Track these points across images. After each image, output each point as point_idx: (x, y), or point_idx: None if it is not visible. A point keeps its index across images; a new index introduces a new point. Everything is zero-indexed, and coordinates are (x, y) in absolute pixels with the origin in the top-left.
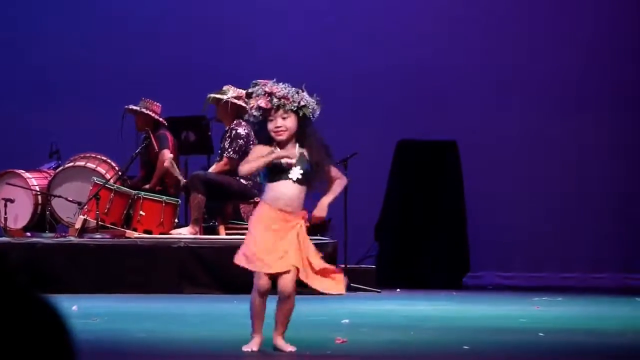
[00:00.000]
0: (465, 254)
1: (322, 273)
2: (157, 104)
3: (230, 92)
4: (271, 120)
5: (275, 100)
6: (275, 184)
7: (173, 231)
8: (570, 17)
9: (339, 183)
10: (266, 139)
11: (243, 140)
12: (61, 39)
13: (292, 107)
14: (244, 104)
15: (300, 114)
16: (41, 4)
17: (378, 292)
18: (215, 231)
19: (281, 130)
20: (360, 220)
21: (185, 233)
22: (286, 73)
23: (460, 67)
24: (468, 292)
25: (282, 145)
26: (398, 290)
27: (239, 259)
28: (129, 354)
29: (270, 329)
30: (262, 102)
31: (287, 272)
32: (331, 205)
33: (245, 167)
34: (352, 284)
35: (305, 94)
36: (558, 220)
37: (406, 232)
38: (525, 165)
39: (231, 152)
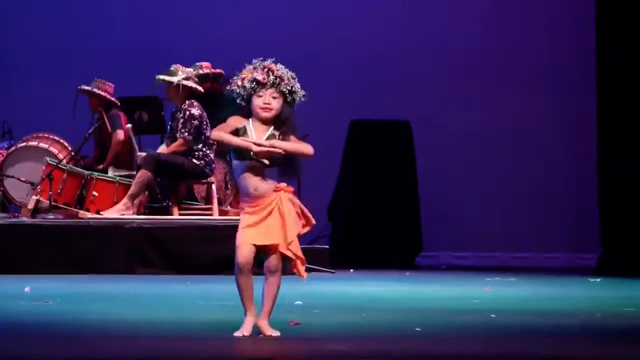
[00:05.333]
0: (418, 234)
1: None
2: (110, 84)
3: (180, 74)
4: (260, 96)
5: (271, 77)
6: (242, 176)
7: (106, 211)
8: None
9: (302, 145)
10: (245, 113)
11: (197, 121)
12: (13, 18)
13: (285, 89)
14: (193, 84)
15: (289, 98)
16: None
17: (332, 272)
18: (168, 211)
19: (268, 108)
20: (313, 200)
21: (116, 211)
22: (237, 53)
23: (412, 47)
24: (421, 272)
25: (264, 122)
26: (351, 270)
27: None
28: (81, 337)
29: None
30: (259, 75)
31: (273, 247)
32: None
33: (218, 136)
34: (306, 265)
35: (296, 81)
36: (510, 201)
37: (359, 212)
38: (478, 146)
39: (186, 133)
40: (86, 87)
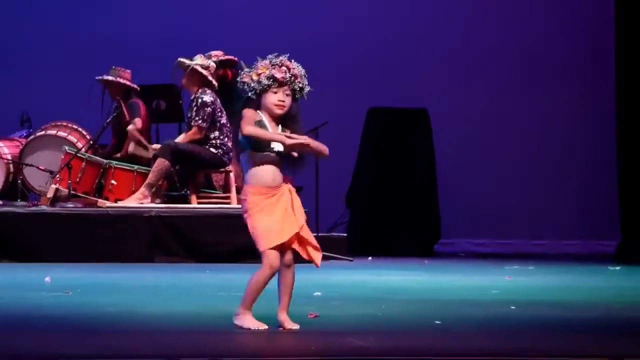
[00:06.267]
0: (436, 221)
1: (305, 242)
2: (127, 70)
3: (198, 60)
4: (275, 93)
5: (288, 75)
6: (259, 167)
7: (124, 200)
8: None
9: (322, 145)
10: (255, 106)
11: (210, 108)
12: (31, 7)
13: (297, 87)
14: (207, 74)
15: (297, 95)
16: None
17: (350, 260)
18: (187, 200)
19: (282, 105)
20: (331, 188)
21: (134, 200)
22: (256, 43)
23: (430, 35)
24: (439, 260)
25: (274, 119)
26: (370, 258)
27: (263, 244)
28: (100, 331)
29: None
30: (279, 74)
31: (289, 241)
32: (301, 175)
33: (253, 131)
34: (324, 253)
35: (306, 78)
36: (529, 187)
37: (377, 199)
38: (495, 133)
39: (200, 121)
40: (105, 77)
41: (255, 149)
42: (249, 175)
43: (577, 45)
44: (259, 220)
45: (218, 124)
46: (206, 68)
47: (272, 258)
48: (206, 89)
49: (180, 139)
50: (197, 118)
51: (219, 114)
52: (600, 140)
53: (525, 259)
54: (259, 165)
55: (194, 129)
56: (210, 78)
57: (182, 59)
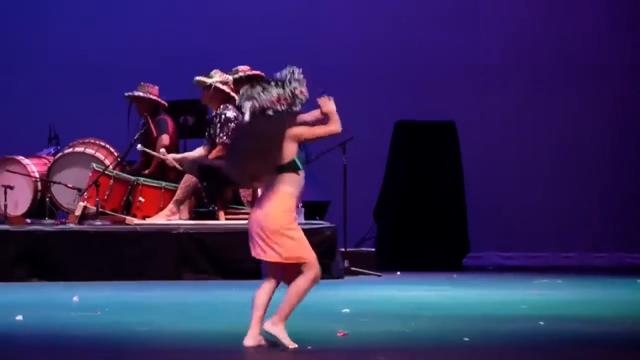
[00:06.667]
0: (465, 234)
1: None
2: (155, 86)
3: (216, 77)
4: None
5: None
6: (301, 173)
7: (152, 217)
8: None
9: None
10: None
11: (233, 124)
12: (60, 23)
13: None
14: (228, 90)
15: None
16: None
17: (379, 275)
18: (214, 216)
19: None
20: (359, 202)
21: (162, 217)
22: (281, 56)
23: (457, 47)
24: (468, 274)
25: None
26: (398, 273)
27: (310, 254)
28: (130, 351)
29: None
30: (306, 92)
31: None
32: (329, 189)
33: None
34: (352, 268)
35: None
36: (558, 200)
37: (405, 213)
38: (524, 145)
39: (224, 137)
40: (136, 93)
41: (300, 168)
42: (290, 186)
43: (607, 60)
44: (299, 230)
45: None
46: (225, 83)
47: (318, 267)
48: (228, 104)
49: (199, 152)
50: (221, 134)
51: None
52: (630, 153)
53: (554, 272)
54: (301, 180)
55: (219, 147)
56: (232, 93)
57: (200, 78)
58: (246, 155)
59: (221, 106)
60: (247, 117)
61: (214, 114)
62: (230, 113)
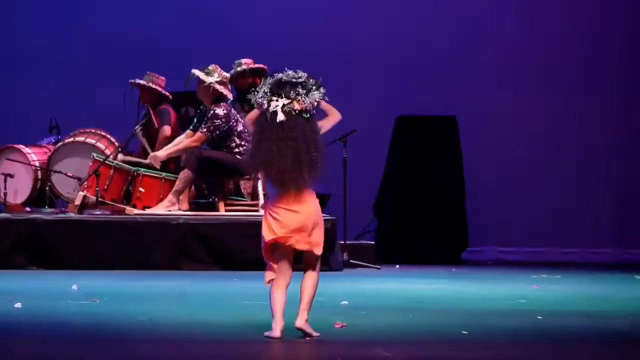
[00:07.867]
0: (464, 229)
1: None
2: (162, 77)
3: (215, 75)
4: None
5: None
6: None
7: (152, 207)
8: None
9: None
10: None
11: (220, 121)
12: (61, 12)
13: None
14: (226, 92)
15: None
16: None
17: (378, 268)
18: (214, 207)
19: None
20: (359, 196)
21: (162, 208)
22: (284, 50)
23: (458, 42)
24: (467, 268)
25: None
26: (397, 266)
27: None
28: (129, 340)
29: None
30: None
31: None
32: (330, 183)
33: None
34: (351, 261)
35: None
36: (557, 195)
37: (405, 207)
38: (525, 140)
39: (205, 129)
40: (139, 81)
41: None
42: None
43: (607, 58)
44: None
45: (235, 132)
46: (223, 83)
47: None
48: (221, 103)
49: (180, 139)
50: (203, 126)
51: (233, 123)
52: (629, 150)
53: (554, 268)
54: None
55: (197, 135)
56: (225, 92)
57: (198, 73)
58: (301, 160)
59: (215, 104)
60: (280, 116)
61: (207, 107)
62: (220, 111)
